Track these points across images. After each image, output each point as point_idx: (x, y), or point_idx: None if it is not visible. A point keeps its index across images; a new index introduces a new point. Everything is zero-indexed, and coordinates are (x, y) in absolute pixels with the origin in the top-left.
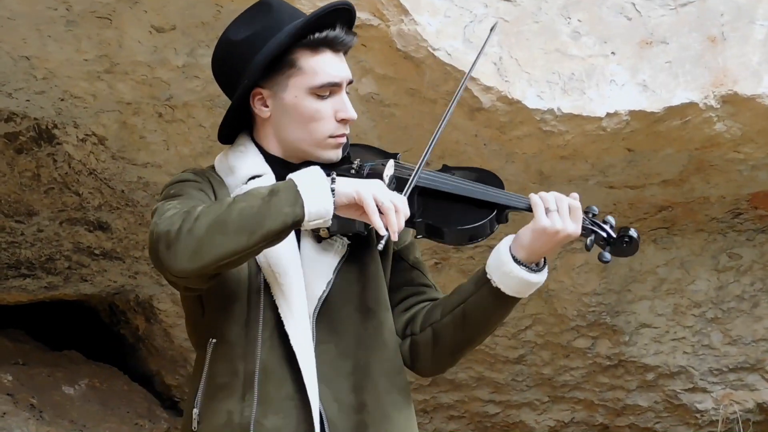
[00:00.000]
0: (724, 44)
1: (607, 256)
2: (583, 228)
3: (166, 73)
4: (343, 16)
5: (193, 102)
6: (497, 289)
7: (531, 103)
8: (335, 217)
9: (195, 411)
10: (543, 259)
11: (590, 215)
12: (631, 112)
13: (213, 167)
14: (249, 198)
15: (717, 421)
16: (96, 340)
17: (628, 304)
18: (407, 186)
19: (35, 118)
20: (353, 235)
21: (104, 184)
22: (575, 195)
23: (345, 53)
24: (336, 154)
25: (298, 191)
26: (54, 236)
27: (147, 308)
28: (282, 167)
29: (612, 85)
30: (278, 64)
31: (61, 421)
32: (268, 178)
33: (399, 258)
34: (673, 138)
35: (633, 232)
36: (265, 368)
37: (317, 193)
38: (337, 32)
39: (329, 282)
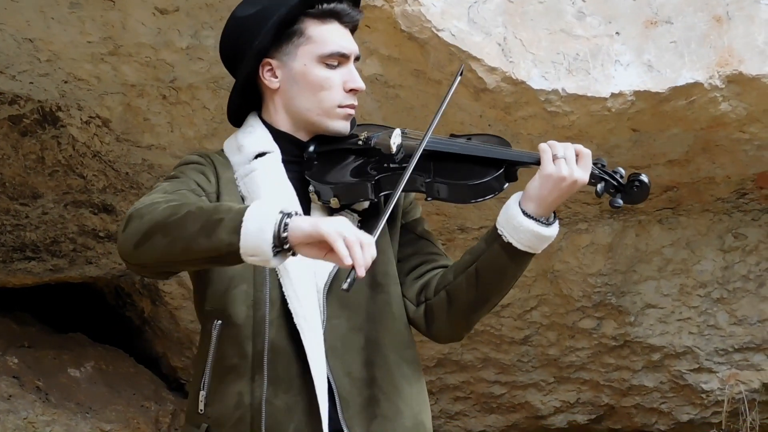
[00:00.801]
0: (729, 24)
1: (619, 201)
2: (592, 175)
3: (170, 55)
4: None
5: (198, 84)
6: (509, 244)
7: (536, 83)
8: (345, 190)
9: (202, 393)
10: (554, 214)
11: (599, 165)
12: (636, 93)
13: (222, 150)
14: (203, 212)
15: (723, 401)
16: (102, 322)
17: (633, 285)
18: (413, 156)
19: (39, 101)
20: (363, 210)
21: (109, 167)
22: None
23: (352, 31)
24: (344, 126)
25: (240, 222)
26: (59, 219)
27: (152, 290)
28: (290, 143)
29: (617, 65)
30: (287, 34)
31: (68, 404)
32: (275, 156)
33: (406, 230)
34: (678, 118)
35: (644, 177)
36: (274, 348)
37: (259, 230)
38: (344, 5)
39: None
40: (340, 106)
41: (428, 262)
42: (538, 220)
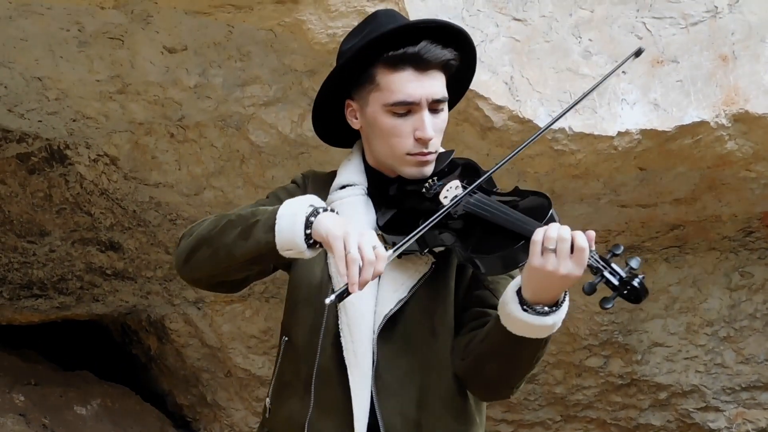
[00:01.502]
0: (735, 63)
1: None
2: (591, 268)
3: (178, 94)
4: (434, 33)
5: (205, 122)
6: (504, 328)
7: (542, 122)
8: (422, 237)
9: (268, 400)
10: (559, 300)
11: (597, 255)
12: (643, 131)
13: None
14: (241, 218)
15: None
16: (108, 359)
17: (640, 323)
18: (400, 244)
19: (47, 139)
20: (439, 253)
21: (116, 204)
22: (590, 234)
23: (441, 70)
24: (419, 171)
25: (275, 221)
26: (66, 256)
27: (159, 328)
28: (376, 178)
29: (623, 103)
30: (363, 79)
31: None
32: (360, 189)
33: (475, 278)
34: (684, 156)
35: (636, 282)
36: (321, 373)
37: (290, 225)
38: (420, 48)
39: (401, 300)
40: (409, 154)
41: (483, 316)
42: (534, 309)
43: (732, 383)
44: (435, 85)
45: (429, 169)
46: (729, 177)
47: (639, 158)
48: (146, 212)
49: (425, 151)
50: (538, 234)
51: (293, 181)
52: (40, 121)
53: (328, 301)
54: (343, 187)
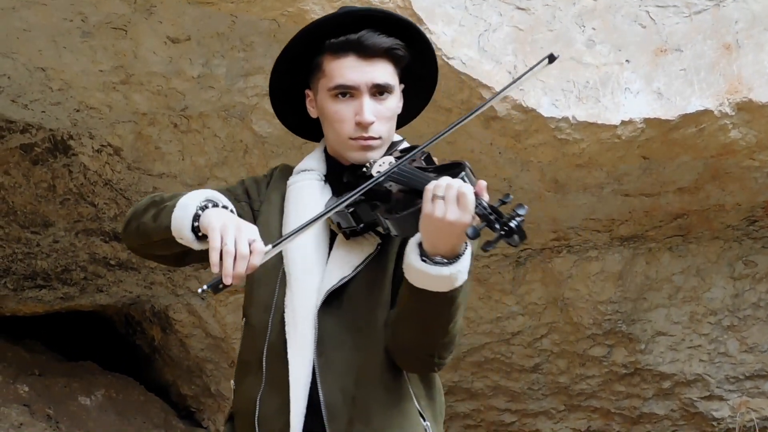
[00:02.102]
0: (738, 51)
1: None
2: (482, 216)
3: (182, 84)
4: (374, 22)
5: (209, 112)
6: (407, 281)
7: (546, 111)
8: (355, 213)
9: (233, 382)
10: (459, 253)
11: (485, 203)
12: (646, 120)
13: None
14: (160, 201)
15: (734, 428)
16: (112, 350)
17: (644, 312)
18: (308, 222)
19: (51, 129)
20: (386, 234)
21: (120, 195)
22: (481, 182)
23: (386, 59)
24: (362, 156)
25: (174, 210)
26: (70, 247)
27: (163, 318)
28: (334, 166)
29: (627, 93)
30: (313, 68)
31: None
32: (315, 174)
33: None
34: (688, 146)
35: (513, 223)
36: (271, 351)
37: (182, 216)
38: (361, 35)
39: (344, 278)
40: (351, 138)
41: None
42: (432, 260)
43: (736, 372)
44: (376, 71)
45: (373, 154)
46: (732, 166)
47: (642, 147)
48: None
49: (365, 135)
50: (431, 184)
51: (264, 175)
52: (44, 112)
53: (200, 290)
54: (301, 171)
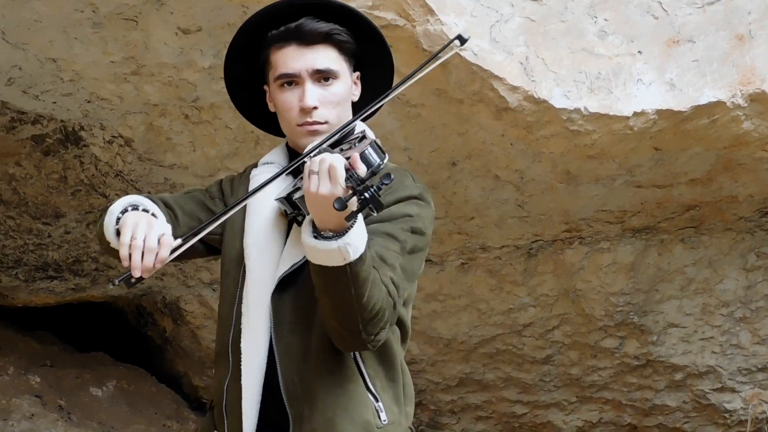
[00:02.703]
0: (751, 42)
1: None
2: (350, 188)
3: (193, 75)
4: (314, 10)
5: (220, 103)
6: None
7: (558, 102)
8: (292, 200)
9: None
10: (346, 228)
11: (356, 175)
12: (659, 111)
13: None
14: (109, 206)
15: (746, 420)
16: (123, 341)
17: (656, 304)
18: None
19: (62, 120)
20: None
21: (131, 186)
22: (353, 155)
23: (328, 44)
24: (309, 141)
25: (104, 218)
26: (81, 238)
27: (174, 310)
28: (294, 156)
29: (639, 84)
30: (264, 63)
31: (89, 423)
32: (274, 167)
33: None
34: (700, 137)
35: (368, 194)
36: (235, 340)
37: (108, 222)
38: (298, 23)
39: (295, 264)
40: (298, 125)
41: None
42: (321, 235)
43: (748, 364)
44: (318, 57)
45: (319, 139)
46: (745, 157)
47: (655, 139)
48: (161, 194)
49: (309, 120)
50: (309, 160)
51: (239, 172)
52: (55, 103)
53: (111, 284)
54: (263, 164)
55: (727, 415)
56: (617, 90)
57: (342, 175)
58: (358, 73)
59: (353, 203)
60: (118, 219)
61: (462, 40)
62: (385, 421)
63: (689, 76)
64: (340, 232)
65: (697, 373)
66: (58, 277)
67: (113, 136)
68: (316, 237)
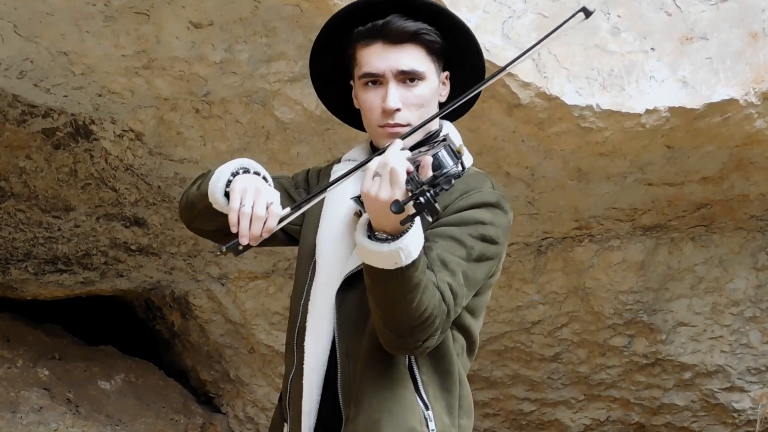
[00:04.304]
0: (765, 40)
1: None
2: (410, 191)
3: (204, 69)
4: (402, 7)
5: (231, 98)
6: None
7: (570, 99)
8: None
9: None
10: (405, 229)
11: (418, 178)
12: (671, 109)
13: None
14: (204, 173)
15: (755, 420)
16: (132, 335)
17: (665, 303)
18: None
19: (73, 114)
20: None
21: (141, 180)
22: (426, 159)
23: (415, 43)
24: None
25: (212, 176)
26: (90, 232)
27: (183, 304)
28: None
29: (651, 81)
30: (350, 59)
31: (97, 416)
32: (353, 163)
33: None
34: (713, 135)
35: (423, 198)
36: (300, 336)
37: (217, 180)
38: (386, 21)
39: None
40: (380, 126)
41: None
42: (375, 236)
43: (757, 364)
44: (402, 57)
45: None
46: (757, 156)
47: (667, 136)
48: (171, 188)
49: (391, 122)
50: (373, 162)
51: (326, 165)
52: (66, 96)
53: (218, 251)
54: (346, 160)
55: (735, 415)
56: (629, 87)
57: (403, 178)
58: (447, 73)
59: (410, 207)
60: (229, 182)
61: (587, 13)
62: (433, 430)
63: (702, 74)
64: (395, 236)
65: (705, 373)
66: (68, 271)
67: (124, 130)
68: (370, 237)
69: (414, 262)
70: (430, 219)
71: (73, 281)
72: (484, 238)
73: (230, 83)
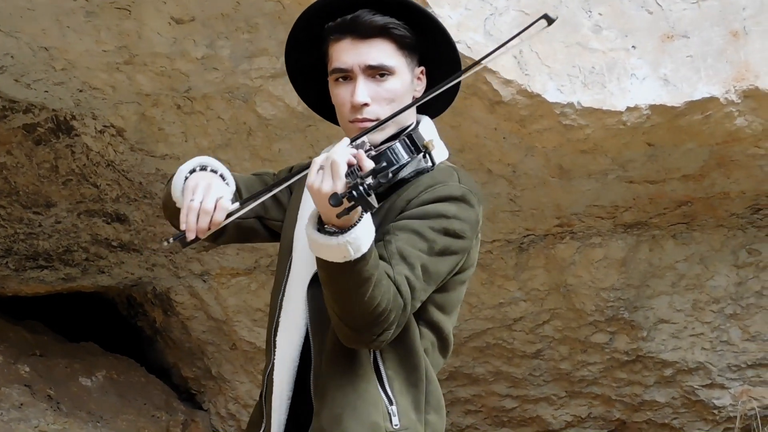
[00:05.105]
0: (746, 38)
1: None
2: (349, 186)
3: (185, 65)
4: (371, 1)
5: (212, 94)
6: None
7: (551, 96)
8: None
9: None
10: (353, 222)
11: (358, 172)
12: (652, 107)
13: None
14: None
15: (735, 417)
16: (113, 332)
17: (646, 300)
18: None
19: (54, 110)
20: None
21: (122, 176)
22: (359, 152)
23: (384, 38)
24: None
25: (171, 177)
26: (72, 228)
27: (164, 300)
28: None
29: (633, 79)
30: (324, 55)
31: (79, 413)
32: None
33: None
34: (694, 133)
35: (358, 191)
36: (275, 333)
37: (176, 181)
38: (354, 16)
39: None
40: (350, 122)
41: None
42: (324, 229)
43: (738, 361)
44: (371, 51)
45: (372, 137)
46: (738, 154)
47: (648, 134)
48: (152, 184)
49: (359, 117)
50: (321, 156)
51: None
52: (47, 92)
53: (165, 242)
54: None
55: (716, 412)
56: (611, 85)
57: (343, 171)
58: (422, 68)
59: (346, 200)
60: (186, 178)
61: (549, 20)
62: (397, 425)
63: (683, 72)
64: (343, 229)
65: (686, 369)
66: (49, 267)
67: (105, 126)
68: (320, 230)
69: (364, 256)
70: (365, 213)
71: (54, 277)
72: (447, 232)
73: (212, 79)
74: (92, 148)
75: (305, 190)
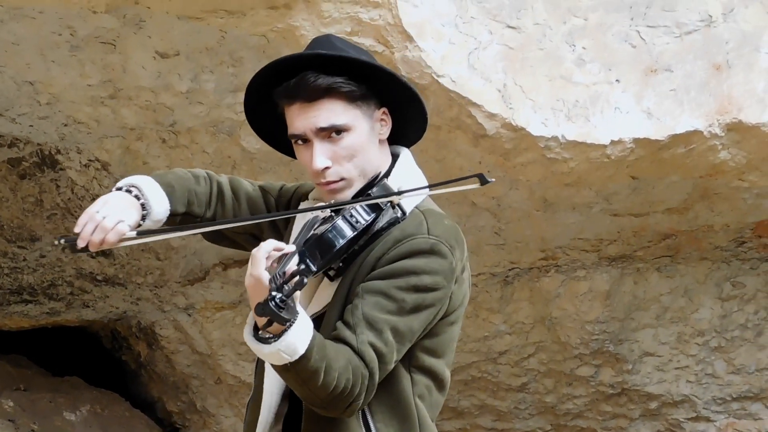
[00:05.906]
0: (729, 72)
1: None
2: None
3: (170, 99)
4: (314, 63)
5: (197, 128)
6: None
7: (535, 130)
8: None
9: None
10: (284, 330)
11: (282, 270)
12: (636, 140)
13: None
14: None
15: None
16: (97, 366)
17: (631, 332)
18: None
19: (38, 144)
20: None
21: None
22: (286, 248)
23: (332, 97)
24: (333, 198)
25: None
26: (56, 262)
27: (149, 334)
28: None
29: (616, 112)
30: (283, 116)
31: None
32: (317, 203)
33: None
34: (677, 166)
35: (272, 303)
36: (261, 363)
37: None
38: (295, 81)
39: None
40: (317, 184)
41: (334, 330)
42: (258, 335)
43: (723, 393)
44: (320, 114)
45: (342, 196)
46: (722, 186)
47: (632, 167)
48: None
49: (323, 181)
50: (263, 245)
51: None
52: (32, 126)
53: (56, 241)
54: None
55: None
56: (595, 118)
57: (265, 281)
58: (383, 109)
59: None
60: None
61: (483, 181)
62: None
63: (667, 105)
64: (276, 335)
65: (671, 402)
66: (33, 301)
67: (90, 160)
68: (254, 335)
69: (302, 357)
70: (284, 324)
71: (38, 311)
72: (417, 289)
73: (197, 113)
74: (77, 182)
75: (296, 222)
